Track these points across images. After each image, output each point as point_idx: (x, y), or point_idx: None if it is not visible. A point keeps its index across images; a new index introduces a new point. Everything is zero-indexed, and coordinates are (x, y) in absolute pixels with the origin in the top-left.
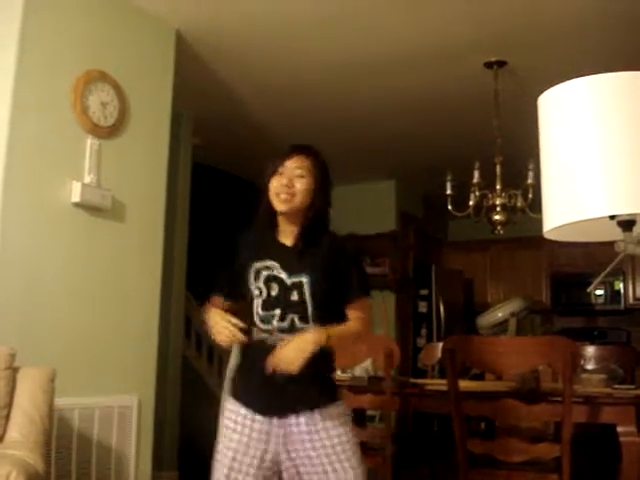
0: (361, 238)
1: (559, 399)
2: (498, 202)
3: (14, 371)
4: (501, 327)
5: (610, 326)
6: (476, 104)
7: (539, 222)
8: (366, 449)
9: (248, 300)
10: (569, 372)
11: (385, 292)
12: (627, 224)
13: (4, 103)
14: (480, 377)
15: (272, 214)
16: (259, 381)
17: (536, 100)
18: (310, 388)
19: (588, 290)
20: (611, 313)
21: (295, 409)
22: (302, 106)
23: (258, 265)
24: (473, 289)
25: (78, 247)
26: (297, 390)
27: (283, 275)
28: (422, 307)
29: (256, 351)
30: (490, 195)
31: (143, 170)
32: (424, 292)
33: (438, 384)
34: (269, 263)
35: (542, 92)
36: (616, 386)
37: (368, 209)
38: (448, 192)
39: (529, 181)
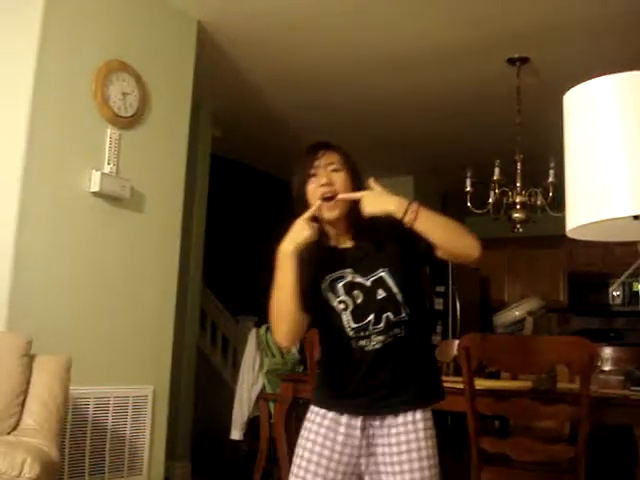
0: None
1: (576, 400)
2: (518, 200)
3: (30, 359)
4: (518, 326)
5: (627, 327)
6: (498, 101)
7: (558, 221)
8: None
9: (326, 314)
10: (587, 373)
11: None
12: None
13: (26, 93)
14: (496, 375)
15: (317, 221)
16: (358, 386)
17: (559, 97)
18: (408, 385)
19: (610, 290)
20: (629, 314)
21: (385, 410)
22: (322, 99)
23: (329, 278)
24: (490, 287)
25: (96, 236)
26: (392, 389)
27: (360, 279)
28: (438, 304)
29: (352, 359)
30: (510, 193)
31: (162, 161)
32: (440, 289)
33: (453, 381)
34: (340, 273)
35: (565, 89)
36: (633, 388)
37: None
38: (468, 189)
39: (550, 179)
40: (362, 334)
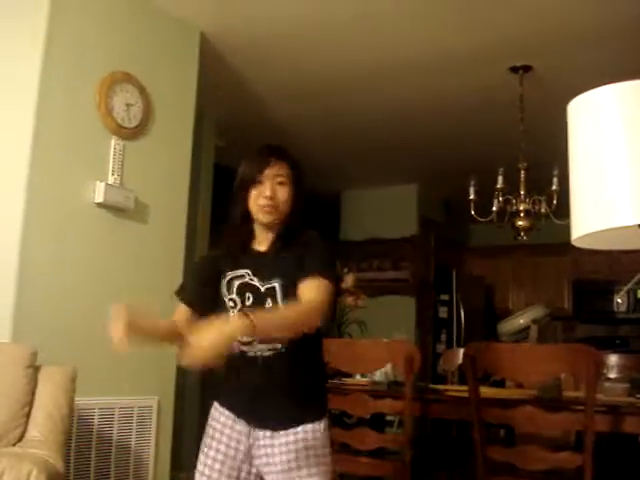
0: (382, 242)
1: (581, 408)
2: (522, 208)
3: (35, 370)
4: (522, 334)
5: (633, 335)
6: (501, 109)
7: (562, 228)
8: (384, 454)
9: (222, 309)
10: (592, 380)
11: (405, 297)
12: None
13: (30, 103)
14: (500, 384)
15: (248, 222)
16: (241, 393)
17: (562, 105)
18: (287, 404)
19: (617, 297)
20: (634, 322)
21: (268, 425)
22: (325, 108)
23: (230, 275)
24: (494, 295)
25: (101, 247)
26: (272, 405)
27: (256, 282)
28: (442, 312)
29: (239, 363)
30: (514, 200)
31: (166, 171)
32: (445, 297)
33: (458, 390)
34: (242, 272)
35: (568, 97)
36: (639, 395)
37: (389, 213)
38: (471, 197)
39: (554, 187)
40: (244, 338)
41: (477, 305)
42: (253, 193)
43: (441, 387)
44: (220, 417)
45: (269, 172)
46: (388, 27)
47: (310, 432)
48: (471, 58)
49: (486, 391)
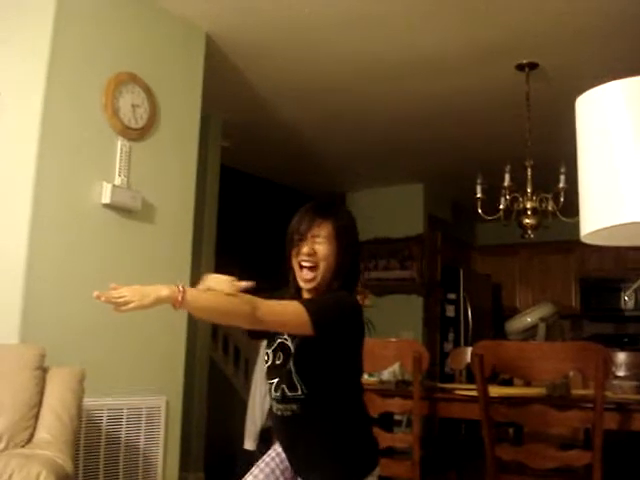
0: (389, 241)
1: (590, 406)
2: (529, 205)
3: (44, 371)
4: (530, 332)
5: None
6: (507, 107)
7: (569, 226)
8: (393, 454)
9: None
10: (601, 378)
11: (413, 296)
12: None
13: (36, 105)
14: (509, 382)
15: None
16: (279, 440)
17: (569, 102)
18: (309, 462)
19: (625, 295)
20: None
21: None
22: (331, 109)
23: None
24: (502, 293)
25: (108, 248)
26: (295, 461)
27: (289, 342)
28: (450, 311)
29: (271, 414)
30: (521, 199)
31: (172, 172)
32: (452, 296)
33: (466, 389)
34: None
35: (574, 94)
36: None
37: (396, 212)
38: (478, 195)
39: (561, 185)
40: (272, 394)
41: (484, 304)
42: (294, 250)
43: (449, 386)
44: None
45: (310, 232)
46: (394, 26)
47: None
48: (477, 57)
49: (494, 390)
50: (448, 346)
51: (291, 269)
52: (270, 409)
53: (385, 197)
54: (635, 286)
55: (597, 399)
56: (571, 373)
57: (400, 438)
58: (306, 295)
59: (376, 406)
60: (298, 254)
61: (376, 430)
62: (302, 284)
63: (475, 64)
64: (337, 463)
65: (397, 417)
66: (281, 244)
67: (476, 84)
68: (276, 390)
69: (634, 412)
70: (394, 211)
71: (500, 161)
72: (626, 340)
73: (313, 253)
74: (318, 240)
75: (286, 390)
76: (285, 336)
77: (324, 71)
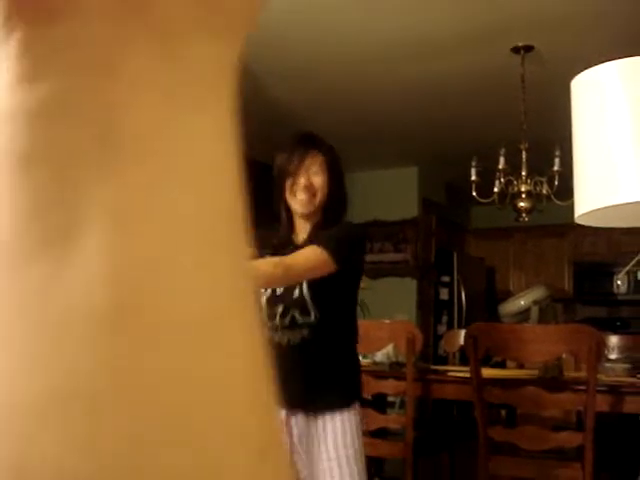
0: (383, 224)
1: (582, 388)
2: (523, 189)
3: None
4: (523, 315)
5: (633, 316)
6: (502, 89)
7: (563, 210)
8: (386, 435)
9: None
10: (593, 361)
11: (406, 279)
12: None
13: None
14: (502, 365)
15: (288, 210)
16: (277, 373)
17: (564, 85)
18: (316, 388)
19: (617, 279)
20: (634, 303)
21: (295, 409)
22: (322, 88)
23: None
24: (495, 277)
25: None
26: (299, 389)
27: None
28: (443, 294)
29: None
30: (515, 182)
31: None
32: (446, 279)
33: (459, 371)
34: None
35: (570, 77)
36: (639, 375)
37: (390, 195)
38: (473, 178)
39: (555, 168)
40: (270, 323)
41: (478, 287)
42: (289, 183)
43: (442, 368)
44: None
45: (303, 163)
46: (388, 8)
47: (341, 417)
48: (472, 38)
49: (487, 372)
50: (442, 329)
51: (281, 208)
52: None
53: (380, 180)
54: (627, 269)
55: (589, 381)
56: (564, 355)
57: (393, 419)
58: (301, 227)
59: (369, 387)
60: (293, 187)
61: (369, 411)
62: (300, 208)
63: (470, 46)
64: (340, 387)
65: (390, 398)
66: (258, 219)
67: (471, 66)
68: (283, 317)
69: (626, 395)
70: (388, 194)
71: (495, 144)
72: (618, 324)
73: (309, 184)
74: (313, 170)
75: (297, 316)
76: None
77: (316, 49)
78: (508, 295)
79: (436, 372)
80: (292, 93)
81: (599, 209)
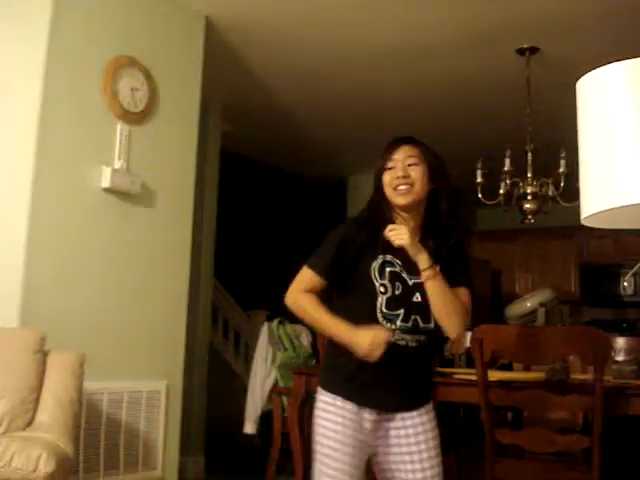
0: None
1: (589, 390)
2: (529, 190)
3: (44, 355)
4: (529, 317)
5: (639, 318)
6: (507, 91)
7: (569, 212)
8: None
9: (365, 295)
10: (600, 363)
11: None
12: None
13: (36, 89)
14: (508, 367)
15: (389, 210)
16: (377, 378)
17: (569, 87)
18: (419, 387)
19: (624, 280)
20: None
21: (401, 407)
22: (331, 94)
23: (381, 260)
24: (501, 279)
25: (108, 232)
26: (408, 388)
27: (405, 275)
28: None
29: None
30: (521, 183)
31: (172, 156)
32: None
33: (465, 373)
34: (390, 258)
35: (575, 79)
36: None
37: None
38: (478, 180)
39: (561, 169)
40: (389, 325)
41: (484, 289)
42: (387, 178)
43: (448, 370)
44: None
45: (399, 156)
46: (392, 10)
47: (429, 411)
48: (477, 40)
49: (494, 374)
50: None
51: (380, 203)
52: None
53: None
54: (634, 271)
55: (596, 384)
56: (571, 358)
57: None
58: (401, 219)
59: None
60: (392, 180)
61: None
62: (400, 200)
63: (476, 48)
64: (430, 388)
65: None
66: (282, 228)
67: (477, 68)
68: (405, 320)
69: (632, 397)
70: None
71: (500, 146)
72: (625, 325)
73: (407, 175)
74: (410, 161)
75: (420, 321)
76: (397, 267)
77: (325, 56)
78: (514, 297)
79: (442, 375)
80: (299, 98)
81: (605, 210)
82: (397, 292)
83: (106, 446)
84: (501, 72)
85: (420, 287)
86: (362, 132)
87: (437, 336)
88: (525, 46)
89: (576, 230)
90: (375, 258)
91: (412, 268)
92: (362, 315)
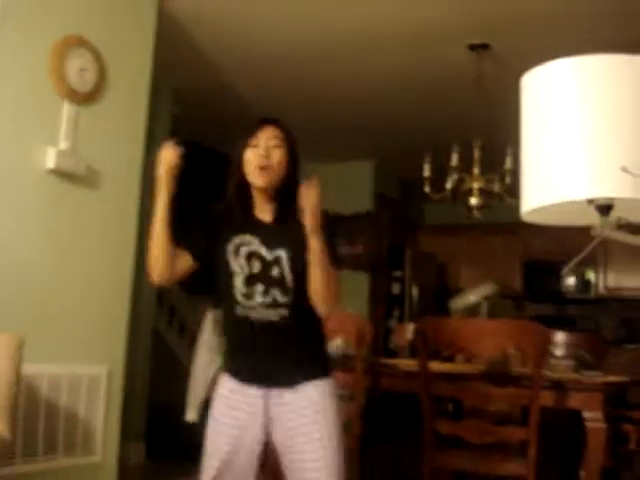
0: (336, 218)
1: (528, 383)
2: (475, 186)
3: None
4: (473, 311)
5: (580, 314)
6: (458, 87)
7: (515, 208)
8: None
9: (224, 274)
10: (539, 357)
11: (359, 273)
12: (605, 208)
13: None
14: (450, 359)
15: (246, 188)
16: (247, 356)
17: (518, 85)
18: (297, 363)
19: (562, 273)
20: (581, 302)
21: (279, 383)
22: (284, 82)
23: (237, 241)
24: (447, 273)
25: (51, 213)
26: (282, 364)
27: (263, 251)
28: (395, 289)
29: (240, 327)
30: (467, 179)
31: (121, 138)
32: (397, 274)
33: (408, 364)
34: (248, 238)
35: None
36: (584, 372)
37: (345, 189)
38: (426, 174)
39: (507, 166)
40: (249, 303)
41: (429, 282)
42: (248, 155)
43: (392, 361)
44: (228, 385)
45: (263, 135)
46: (345, 2)
47: (319, 387)
48: (428, 36)
49: (435, 365)
50: (393, 323)
51: (237, 187)
52: (236, 322)
53: (334, 173)
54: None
55: (535, 377)
56: (511, 351)
57: (342, 412)
58: (263, 206)
59: None
60: (254, 157)
61: None
62: (259, 181)
63: (427, 42)
64: (317, 364)
65: (340, 391)
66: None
67: (428, 63)
68: (264, 296)
69: (570, 390)
70: (343, 188)
71: (450, 141)
72: (566, 322)
73: (268, 155)
74: (272, 142)
75: (278, 295)
76: (254, 246)
77: (275, 41)
78: (459, 291)
79: (385, 365)
80: (252, 82)
81: (544, 206)
82: (254, 270)
83: (45, 430)
84: (452, 67)
85: (279, 261)
86: (311, 122)
87: (304, 310)
88: (477, 42)
89: (521, 227)
90: (230, 240)
91: (270, 242)
92: (226, 296)
